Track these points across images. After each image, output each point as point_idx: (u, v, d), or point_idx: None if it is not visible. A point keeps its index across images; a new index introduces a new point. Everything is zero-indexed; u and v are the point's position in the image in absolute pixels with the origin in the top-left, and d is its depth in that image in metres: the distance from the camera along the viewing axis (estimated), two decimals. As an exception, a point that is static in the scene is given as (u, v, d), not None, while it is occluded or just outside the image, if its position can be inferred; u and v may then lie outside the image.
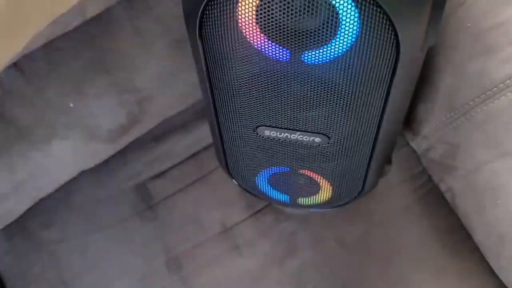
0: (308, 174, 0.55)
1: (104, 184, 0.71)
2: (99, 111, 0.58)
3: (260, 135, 0.49)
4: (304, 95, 0.43)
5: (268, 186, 0.59)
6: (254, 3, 0.36)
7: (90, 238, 0.70)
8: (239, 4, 0.37)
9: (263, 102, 0.45)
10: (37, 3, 0.20)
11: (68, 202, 0.71)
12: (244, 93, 0.45)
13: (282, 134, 0.48)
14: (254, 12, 0.37)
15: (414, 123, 0.61)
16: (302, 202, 0.61)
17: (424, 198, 0.67)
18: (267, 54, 0.40)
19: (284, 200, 0.61)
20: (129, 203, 0.71)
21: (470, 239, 0.63)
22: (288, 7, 0.36)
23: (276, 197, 0.61)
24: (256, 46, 0.39)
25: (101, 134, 0.60)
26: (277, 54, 0.39)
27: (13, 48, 0.21)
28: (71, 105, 0.57)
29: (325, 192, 0.58)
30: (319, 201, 0.60)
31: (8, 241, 0.70)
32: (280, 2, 0.36)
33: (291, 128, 0.47)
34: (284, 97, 0.44)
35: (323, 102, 0.43)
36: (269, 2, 0.36)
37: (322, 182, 0.56)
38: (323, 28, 0.36)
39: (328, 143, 0.48)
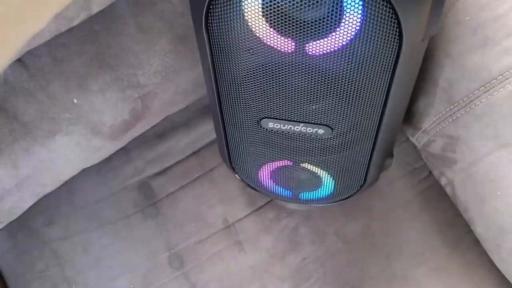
0: (311, 168, 0.55)
1: (107, 182, 0.72)
2: (102, 107, 0.59)
3: (263, 128, 0.50)
4: (307, 86, 0.44)
5: (270, 181, 0.60)
6: None
7: (93, 235, 0.70)
8: None
9: (267, 94, 0.46)
10: None
11: (71, 200, 0.71)
12: (248, 84, 0.45)
13: (286, 126, 0.48)
14: (259, 3, 0.38)
15: (414, 118, 0.61)
16: (304, 197, 0.61)
17: (425, 193, 0.68)
18: (271, 45, 0.40)
19: (286, 195, 0.62)
20: (132, 200, 0.71)
21: (470, 232, 0.64)
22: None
23: (278, 192, 0.62)
24: (261, 37, 0.40)
25: (104, 130, 0.60)
26: (281, 45, 0.40)
27: (38, 24, 0.21)
28: (75, 100, 0.58)
29: (327, 186, 0.58)
30: (321, 195, 0.60)
31: (11, 238, 0.70)
32: None
33: (295, 119, 0.48)
34: (288, 89, 0.44)
35: (326, 93, 0.44)
36: None
37: (324, 176, 0.56)
38: (327, 17, 0.37)
39: (331, 135, 0.49)
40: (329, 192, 0.59)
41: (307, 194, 0.61)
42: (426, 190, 0.68)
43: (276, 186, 0.61)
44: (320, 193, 0.60)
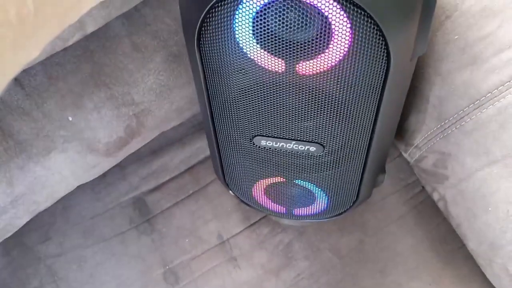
0: (304, 184, 0.56)
1: (102, 198, 0.72)
2: (97, 124, 0.59)
3: (256, 145, 0.50)
4: (298, 104, 0.44)
5: (264, 197, 0.60)
6: (250, 16, 0.38)
7: (88, 252, 0.70)
8: (236, 17, 0.38)
9: (259, 112, 0.46)
10: (58, 7, 0.21)
11: (66, 216, 0.71)
12: (240, 103, 0.46)
13: (278, 143, 0.49)
14: (250, 25, 0.38)
15: (406, 134, 0.62)
16: (298, 213, 0.62)
17: (418, 208, 0.68)
18: (262, 65, 0.41)
19: (280, 211, 0.62)
20: (127, 216, 0.71)
21: (463, 247, 0.64)
22: (283, 19, 0.37)
23: (272, 208, 0.62)
24: (252, 57, 0.41)
25: (99, 147, 0.61)
26: (272, 65, 0.41)
27: (32, 52, 0.22)
28: (70, 118, 0.58)
29: (320, 202, 0.59)
30: (314, 211, 0.61)
31: (5, 255, 0.70)
32: (275, 14, 0.37)
33: (287, 137, 0.48)
34: (279, 107, 0.45)
35: (317, 112, 0.45)
36: (264, 14, 0.37)
37: (317, 192, 0.57)
38: (316, 39, 0.38)
39: (323, 152, 0.49)
40: (323, 208, 0.60)
41: (300, 210, 0.61)
42: (419, 205, 0.68)
43: (270, 202, 0.61)
44: (314, 209, 0.60)
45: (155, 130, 0.65)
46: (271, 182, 0.56)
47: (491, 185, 0.54)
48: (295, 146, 0.49)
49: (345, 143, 0.48)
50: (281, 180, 0.55)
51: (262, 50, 0.40)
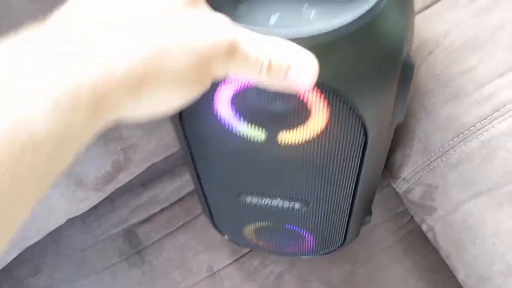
0: (292, 228, 0.56)
1: (91, 230, 0.72)
2: (85, 159, 0.60)
3: (243, 200, 0.51)
4: (281, 168, 0.45)
5: (253, 237, 0.60)
6: (231, 91, 0.38)
7: (78, 285, 0.70)
8: (217, 92, 0.38)
9: (243, 174, 0.47)
10: (38, 173, 0.21)
11: (56, 249, 0.71)
12: (224, 166, 0.47)
13: (263, 200, 0.50)
14: (231, 99, 0.39)
15: (393, 168, 0.62)
16: (287, 251, 0.62)
17: (407, 238, 0.68)
18: (244, 135, 0.41)
19: (270, 249, 0.62)
20: (117, 248, 0.71)
21: (453, 277, 0.64)
22: (261, 96, 0.37)
23: (262, 247, 0.62)
24: (233, 129, 0.41)
25: (88, 182, 0.61)
26: (254, 135, 0.41)
27: (19, 218, 0.22)
28: (59, 154, 0.59)
29: (309, 243, 0.59)
30: (304, 250, 0.61)
31: (-5, 290, 0.70)
32: (255, 91, 0.37)
33: (271, 196, 0.49)
34: (262, 170, 0.46)
35: (299, 174, 0.45)
36: (244, 90, 0.38)
37: (306, 235, 0.57)
38: (295, 112, 0.38)
39: (307, 208, 0.50)
40: (311, 247, 0.60)
41: (290, 248, 0.61)
42: (408, 234, 0.68)
43: (260, 241, 0.61)
44: (303, 248, 0.60)
45: (143, 164, 0.65)
46: (260, 225, 0.57)
47: (477, 217, 0.54)
48: (280, 203, 0.50)
49: (329, 198, 0.49)
50: (270, 224, 0.56)
51: (243, 122, 0.40)
